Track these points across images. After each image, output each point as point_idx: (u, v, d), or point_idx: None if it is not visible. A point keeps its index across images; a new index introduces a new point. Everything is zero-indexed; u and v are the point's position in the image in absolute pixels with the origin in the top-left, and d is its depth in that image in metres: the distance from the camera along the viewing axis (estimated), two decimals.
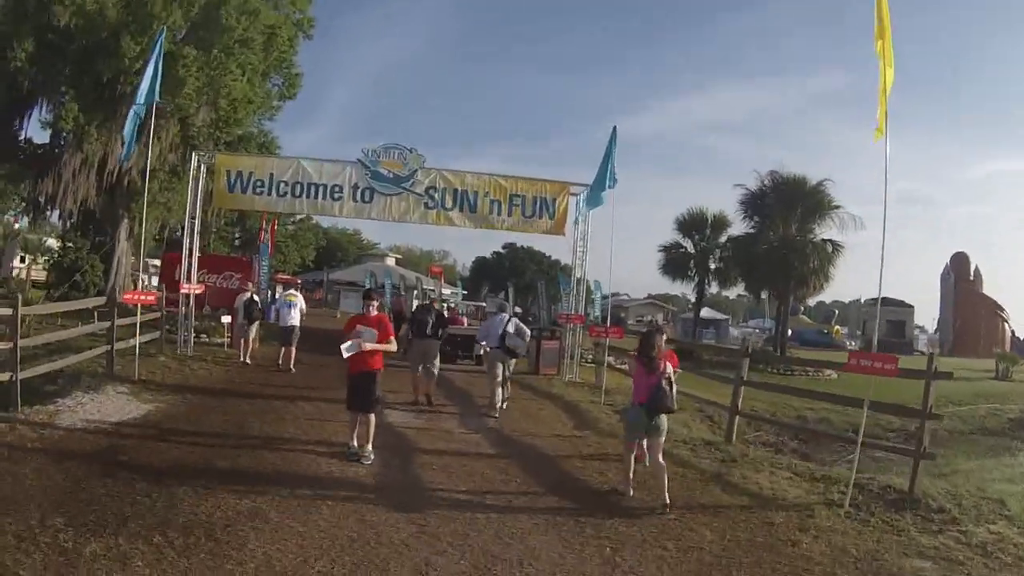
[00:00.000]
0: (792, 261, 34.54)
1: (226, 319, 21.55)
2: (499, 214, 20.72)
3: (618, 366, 20.02)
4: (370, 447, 9.65)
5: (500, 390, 14.07)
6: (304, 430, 11.16)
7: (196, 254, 20.67)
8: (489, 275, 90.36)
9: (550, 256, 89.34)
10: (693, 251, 42.74)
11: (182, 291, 20.19)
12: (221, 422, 11.26)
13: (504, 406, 14.23)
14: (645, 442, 8.80)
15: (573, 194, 21.03)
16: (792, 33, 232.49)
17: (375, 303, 9.98)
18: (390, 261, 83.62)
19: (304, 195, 20.34)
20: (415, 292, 53.26)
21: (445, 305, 25.26)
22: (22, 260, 52.83)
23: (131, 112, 15.99)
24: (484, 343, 14.64)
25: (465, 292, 47.64)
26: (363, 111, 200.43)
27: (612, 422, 14.11)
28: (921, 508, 8.82)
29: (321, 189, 20.32)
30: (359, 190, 20.29)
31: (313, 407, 13.02)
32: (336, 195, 20.33)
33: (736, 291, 50.80)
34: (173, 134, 28.18)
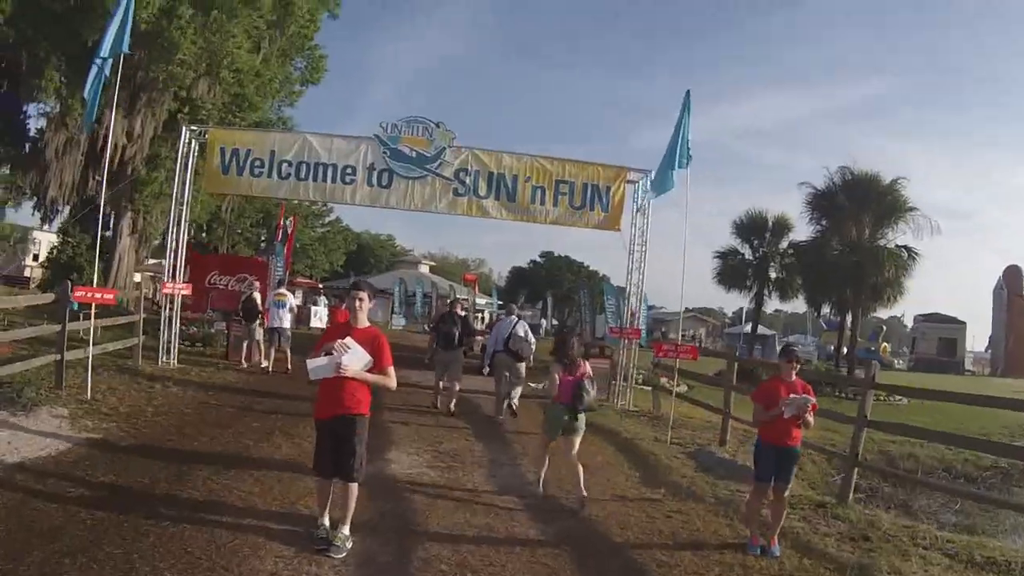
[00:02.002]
0: (866, 269, 30.62)
1: (219, 326, 18.63)
2: (542, 203, 17.32)
3: (672, 389, 16.35)
4: (347, 529, 6.24)
5: (504, 401, 13.85)
6: (266, 487, 7.75)
7: (183, 247, 17.76)
8: (525, 284, 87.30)
9: (588, 265, 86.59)
10: (752, 258, 38.92)
11: (164, 291, 17.45)
12: (155, 468, 8.07)
13: (515, 404, 14.11)
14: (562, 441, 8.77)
15: (631, 181, 17.67)
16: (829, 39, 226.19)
17: (364, 302, 6.18)
18: (423, 268, 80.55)
19: (310, 177, 17.13)
20: (448, 301, 50.77)
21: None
22: (35, 258, 50.39)
23: (92, 67, 12.66)
24: (489, 355, 14.75)
25: (500, 302, 44.49)
26: (399, 110, 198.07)
27: (690, 475, 10.69)
28: None
29: (331, 170, 17.11)
30: (376, 172, 17.05)
31: (292, 447, 9.72)
32: (348, 178, 17.10)
33: (775, 304, 45.99)
34: (169, 110, 24.75)
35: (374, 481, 8.39)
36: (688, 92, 14.50)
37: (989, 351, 67.13)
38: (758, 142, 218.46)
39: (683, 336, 61.81)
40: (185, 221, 17.50)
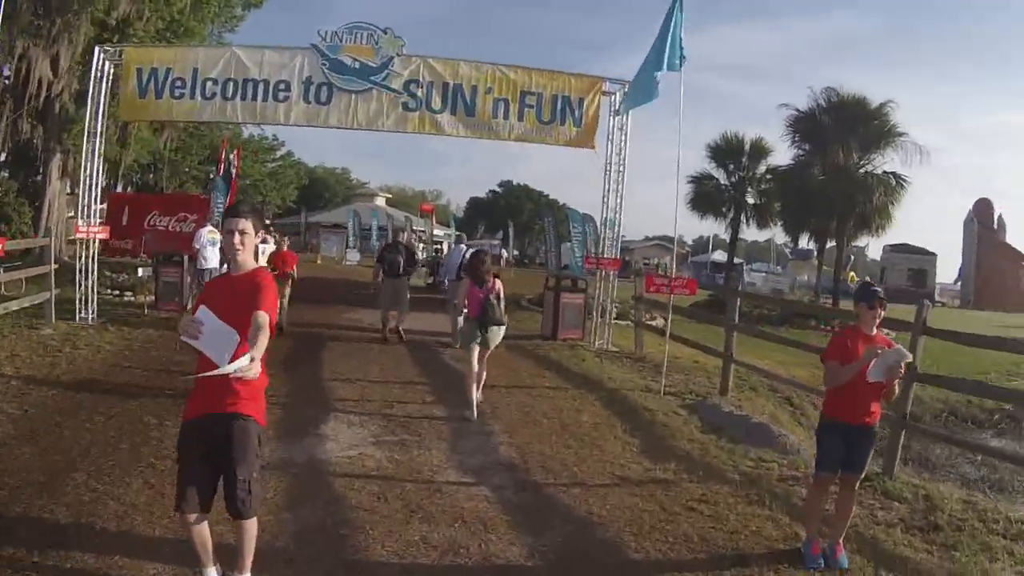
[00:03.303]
0: (855, 196, 28.65)
1: (144, 272, 16.34)
2: (506, 118, 14.92)
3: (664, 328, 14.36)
4: None
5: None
6: (156, 493, 5.69)
7: (99, 184, 15.49)
8: (485, 215, 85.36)
9: (548, 195, 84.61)
10: (727, 183, 36.58)
11: (77, 235, 15.10)
12: (23, 470, 6.08)
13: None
14: (477, 352, 9.09)
15: (607, 93, 15.39)
16: None
17: (245, 235, 4.00)
18: (380, 201, 77.57)
19: (238, 96, 14.62)
20: (404, 233, 48.74)
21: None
22: None
23: None
24: (444, 278, 14.86)
25: (458, 233, 42.54)
26: None
27: (699, 439, 8.73)
28: None
29: (262, 87, 14.61)
30: (313, 86, 14.59)
31: None
32: (282, 94, 14.62)
33: (752, 232, 43.54)
34: (92, 37, 21.89)
35: (299, 474, 6.43)
36: None
37: (959, 283, 66.06)
38: (723, 74, 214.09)
39: (646, 264, 60.18)
40: (99, 155, 15.16)
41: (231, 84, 14.58)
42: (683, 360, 13.84)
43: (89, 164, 14.83)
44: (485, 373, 9.39)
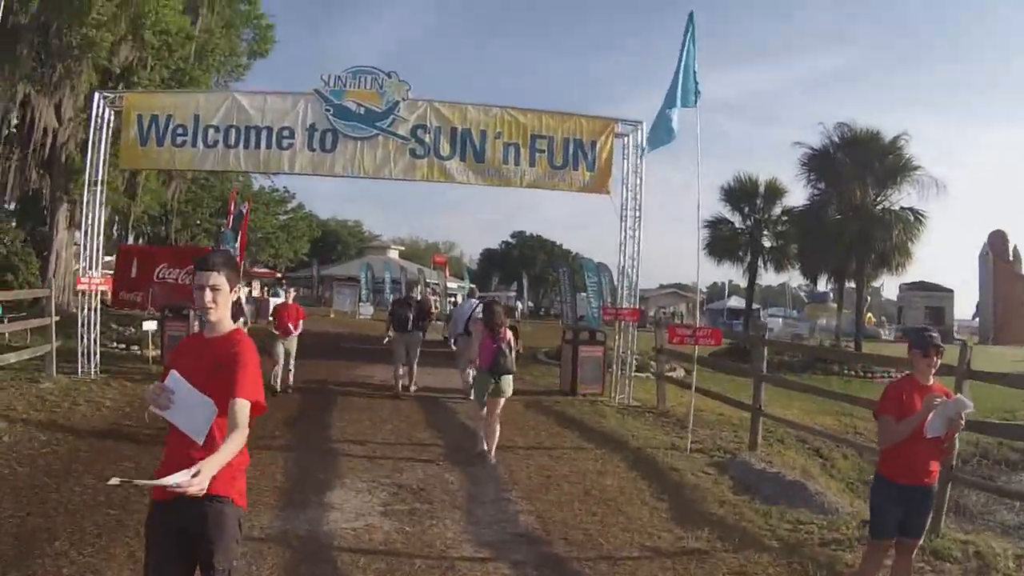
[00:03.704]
0: (872, 234, 27.90)
1: (150, 325, 15.78)
2: (516, 164, 14.47)
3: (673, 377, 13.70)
4: None
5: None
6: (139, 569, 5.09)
7: (101, 234, 15.09)
8: (498, 266, 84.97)
9: (561, 244, 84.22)
10: (743, 226, 35.54)
11: (79, 286, 14.78)
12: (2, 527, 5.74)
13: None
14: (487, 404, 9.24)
15: (620, 135, 14.93)
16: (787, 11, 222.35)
17: (218, 292, 3.32)
18: (393, 253, 77.38)
19: (241, 143, 14.28)
20: (418, 287, 48.20)
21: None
22: None
23: None
24: (452, 334, 14.65)
25: (472, 285, 42.12)
26: None
27: (731, 500, 8.09)
28: None
29: (265, 134, 14.29)
30: (317, 133, 14.22)
31: None
32: (286, 142, 14.27)
33: (768, 276, 42.37)
34: (93, 83, 21.67)
35: (299, 549, 5.86)
36: (691, 15, 11.94)
37: (977, 319, 64.98)
38: (728, 115, 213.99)
39: (663, 313, 59.39)
40: (101, 205, 14.86)
41: (233, 131, 14.26)
42: (707, 413, 13.19)
43: (91, 214, 14.55)
44: (499, 428, 9.31)
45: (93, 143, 14.46)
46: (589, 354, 15.25)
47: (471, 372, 11.94)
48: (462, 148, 14.32)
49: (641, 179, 14.91)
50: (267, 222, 59.45)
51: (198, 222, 47.67)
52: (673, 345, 12.99)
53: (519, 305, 50.06)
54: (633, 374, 15.27)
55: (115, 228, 37.02)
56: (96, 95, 14.86)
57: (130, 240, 44.95)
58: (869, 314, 61.43)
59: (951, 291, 60.32)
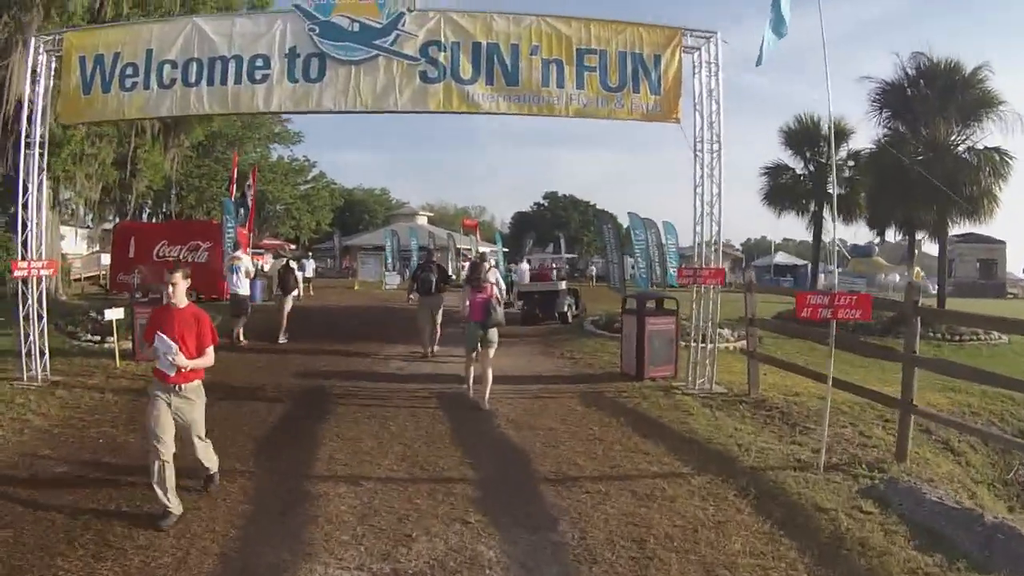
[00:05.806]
0: (957, 177, 24.11)
1: (113, 314, 12.82)
2: (560, 86, 11.02)
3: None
4: None
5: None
6: None
7: (44, 208, 12.81)
8: (531, 228, 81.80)
9: (595, 204, 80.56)
10: (804, 172, 32.04)
11: (16, 272, 11.68)
12: None
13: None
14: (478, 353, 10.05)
15: (689, 49, 11.55)
16: None
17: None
18: (421, 220, 74.23)
19: (204, 80, 11.14)
20: (448, 253, 45.01)
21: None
22: None
23: None
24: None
25: (506, 249, 38.93)
26: None
27: (915, 560, 5.25)
28: None
29: (233, 66, 11.09)
30: (300, 59, 11.00)
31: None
32: (260, 73, 11.08)
33: (792, 231, 38.29)
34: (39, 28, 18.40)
35: None
36: None
37: None
38: (769, 70, 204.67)
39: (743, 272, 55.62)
40: (43, 169, 11.95)
41: (194, 65, 11.18)
42: (804, 397, 10.39)
43: (34, 183, 11.71)
44: (491, 373, 10.07)
45: (30, 98, 11.46)
46: (658, 328, 11.99)
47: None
48: (488, 68, 10.96)
49: (718, 103, 11.49)
50: (286, 192, 56.81)
51: (213, 197, 45.01)
52: (807, 315, 9.30)
53: (554, 267, 46.75)
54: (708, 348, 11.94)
55: (111, 208, 34.41)
56: (32, 40, 11.86)
57: (143, 218, 42.58)
58: (917, 268, 57.69)
59: (1003, 242, 56.53)
